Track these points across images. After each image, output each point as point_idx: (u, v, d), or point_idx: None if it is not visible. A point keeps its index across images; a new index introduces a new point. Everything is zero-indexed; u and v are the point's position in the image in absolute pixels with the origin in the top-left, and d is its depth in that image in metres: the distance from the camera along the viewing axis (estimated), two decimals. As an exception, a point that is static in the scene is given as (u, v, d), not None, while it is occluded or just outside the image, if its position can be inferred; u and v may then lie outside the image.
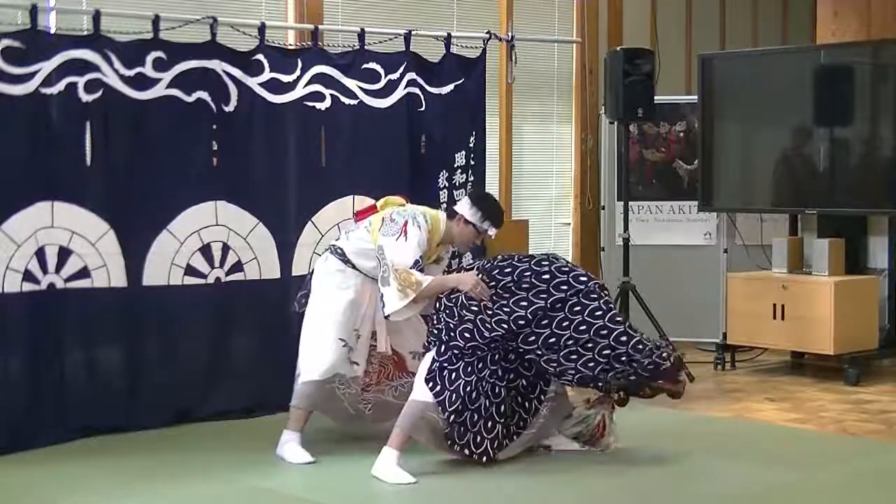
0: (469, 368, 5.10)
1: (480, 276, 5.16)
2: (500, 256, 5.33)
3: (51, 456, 5.41)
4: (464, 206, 5.43)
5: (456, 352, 5.11)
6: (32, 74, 5.52)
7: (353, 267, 5.40)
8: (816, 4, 9.11)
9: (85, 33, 5.81)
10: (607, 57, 8.02)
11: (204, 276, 6.11)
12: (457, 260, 5.92)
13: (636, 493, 4.87)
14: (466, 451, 5.10)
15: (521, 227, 7.28)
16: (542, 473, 5.12)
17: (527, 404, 5.32)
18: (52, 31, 5.84)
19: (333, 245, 5.54)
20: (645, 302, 7.59)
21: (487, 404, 5.10)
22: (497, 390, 5.14)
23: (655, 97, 7.84)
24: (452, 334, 5.11)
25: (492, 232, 5.42)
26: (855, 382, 7.17)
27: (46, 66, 5.56)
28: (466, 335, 5.10)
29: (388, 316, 5.20)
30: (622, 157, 8.08)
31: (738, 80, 8.13)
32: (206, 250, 6.10)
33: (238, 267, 6.21)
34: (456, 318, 5.12)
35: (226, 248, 6.16)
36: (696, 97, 8.24)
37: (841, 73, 7.72)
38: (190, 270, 6.05)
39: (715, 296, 8.41)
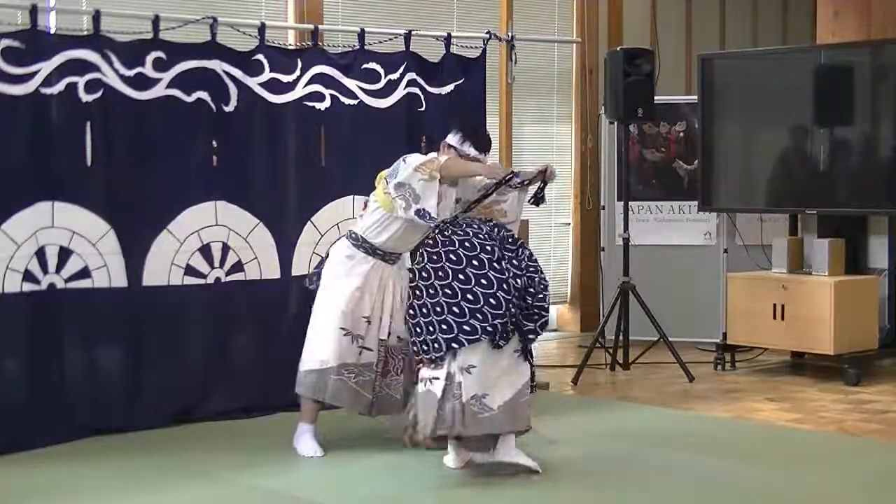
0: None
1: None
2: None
3: (51, 456, 5.41)
4: (450, 135, 5.37)
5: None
6: (32, 74, 5.52)
7: (366, 251, 5.35)
8: (816, 4, 9.11)
9: (85, 33, 5.81)
10: (607, 57, 8.02)
11: (204, 276, 6.11)
12: None
13: (636, 493, 4.87)
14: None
15: (521, 227, 7.24)
16: (543, 477, 5.08)
17: None
18: (52, 31, 5.84)
19: (349, 230, 5.49)
20: (645, 302, 7.60)
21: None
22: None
23: (655, 97, 7.84)
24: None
25: (471, 152, 5.27)
26: (855, 382, 7.16)
27: (46, 66, 5.56)
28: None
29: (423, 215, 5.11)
30: (622, 157, 8.08)
31: (738, 80, 8.12)
32: (205, 250, 6.11)
33: (238, 267, 6.21)
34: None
35: (226, 248, 6.17)
36: (696, 97, 8.24)
37: (841, 73, 7.71)
38: (190, 270, 6.05)
39: (715, 296, 8.42)
